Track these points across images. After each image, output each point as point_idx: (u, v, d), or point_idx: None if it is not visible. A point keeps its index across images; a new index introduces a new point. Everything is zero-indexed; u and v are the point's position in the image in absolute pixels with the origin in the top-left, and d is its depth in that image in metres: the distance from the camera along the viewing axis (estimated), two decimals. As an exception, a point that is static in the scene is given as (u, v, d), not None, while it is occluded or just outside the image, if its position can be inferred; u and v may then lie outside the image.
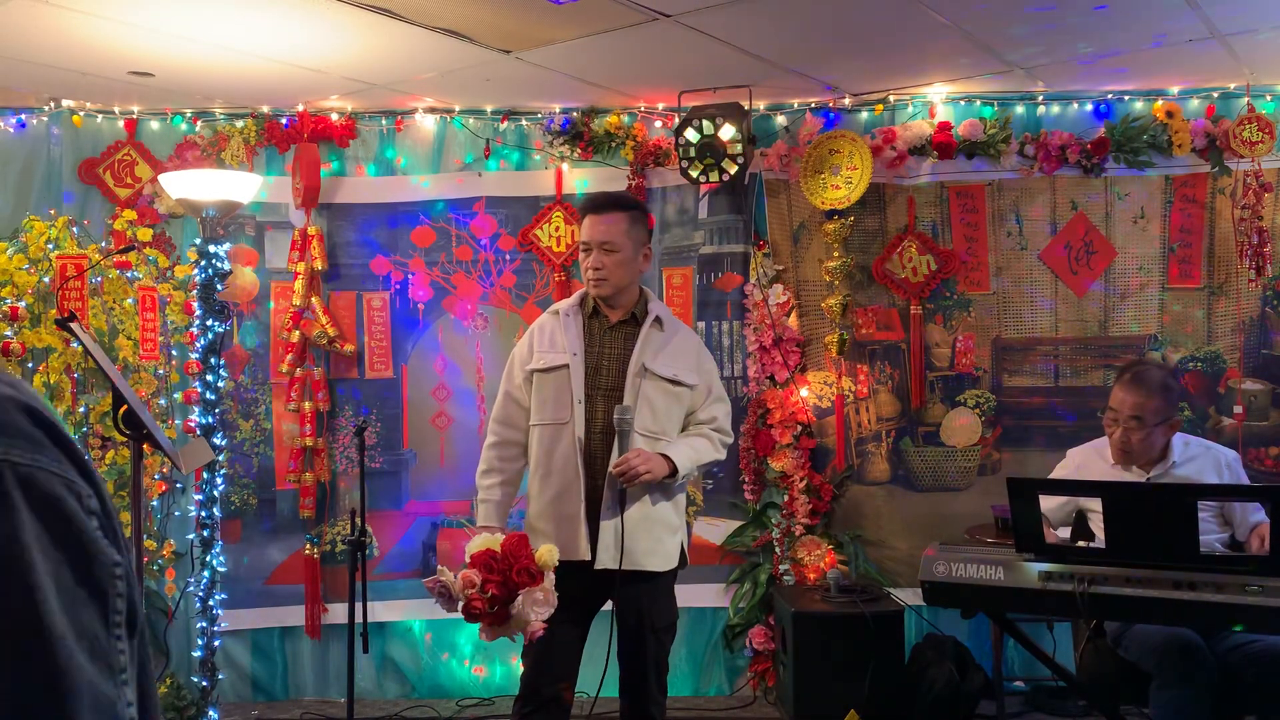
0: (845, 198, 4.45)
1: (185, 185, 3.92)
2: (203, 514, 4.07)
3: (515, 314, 4.71)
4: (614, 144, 4.65)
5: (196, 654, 4.11)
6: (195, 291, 4.11)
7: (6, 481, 0.59)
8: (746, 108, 4.29)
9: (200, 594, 4.04)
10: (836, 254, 4.53)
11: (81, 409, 4.18)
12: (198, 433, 4.04)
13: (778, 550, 4.54)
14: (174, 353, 4.43)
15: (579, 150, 4.66)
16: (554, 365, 2.92)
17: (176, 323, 4.38)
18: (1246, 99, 4.38)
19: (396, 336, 4.73)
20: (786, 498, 4.56)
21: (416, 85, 4.35)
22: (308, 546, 4.59)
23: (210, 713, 4.07)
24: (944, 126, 4.51)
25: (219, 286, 4.12)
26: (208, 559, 4.05)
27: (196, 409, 4.10)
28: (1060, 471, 3.39)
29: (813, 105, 4.62)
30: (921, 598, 2.75)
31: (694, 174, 4.31)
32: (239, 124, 4.63)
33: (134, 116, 4.63)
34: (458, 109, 4.68)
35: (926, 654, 4.16)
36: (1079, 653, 3.24)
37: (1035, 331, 4.59)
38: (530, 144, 4.72)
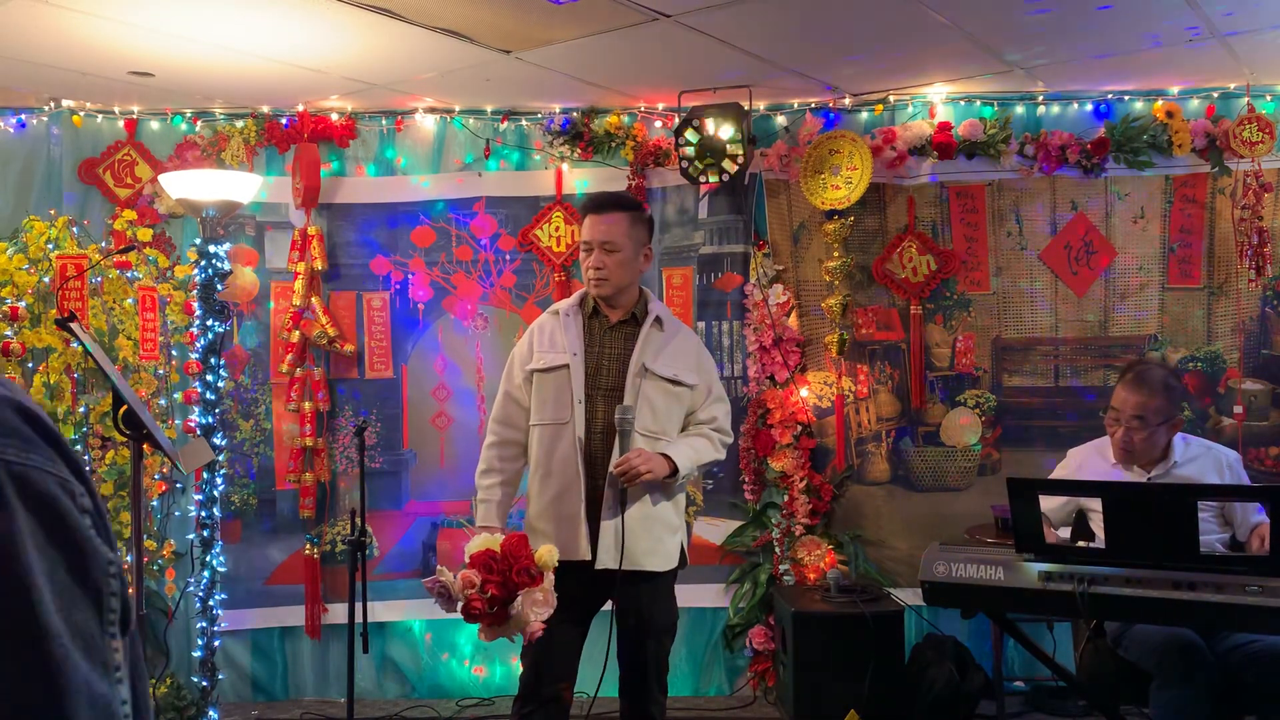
0: (845, 198, 4.45)
1: (185, 185, 3.92)
2: (203, 514, 4.07)
3: (515, 314, 4.71)
4: (614, 144, 4.65)
5: (196, 654, 4.11)
6: (195, 291, 4.12)
7: (0, 480, 0.59)
8: (746, 108, 4.29)
9: (200, 594, 4.04)
10: (836, 254, 4.53)
11: (81, 409, 4.18)
12: (198, 433, 4.04)
13: (778, 550, 4.54)
14: (174, 353, 4.43)
15: (579, 150, 4.66)
16: (554, 365, 2.92)
17: (176, 323, 4.38)
18: (1246, 99, 4.38)
19: (396, 336, 4.73)
20: (786, 498, 4.56)
21: (416, 85, 4.35)
22: (308, 546, 4.59)
23: (210, 713, 4.07)
24: (944, 126, 4.51)
25: (219, 286, 4.12)
26: (208, 559, 4.05)
27: (196, 409, 4.10)
28: (1061, 471, 3.39)
29: (813, 105, 4.62)
30: (921, 598, 2.75)
31: (694, 174, 4.31)
32: (239, 124, 4.63)
33: (134, 116, 4.63)
34: (458, 109, 4.68)
35: (926, 654, 4.16)
36: (1079, 653, 3.24)
37: (1035, 331, 4.59)
38: (530, 144, 4.72)
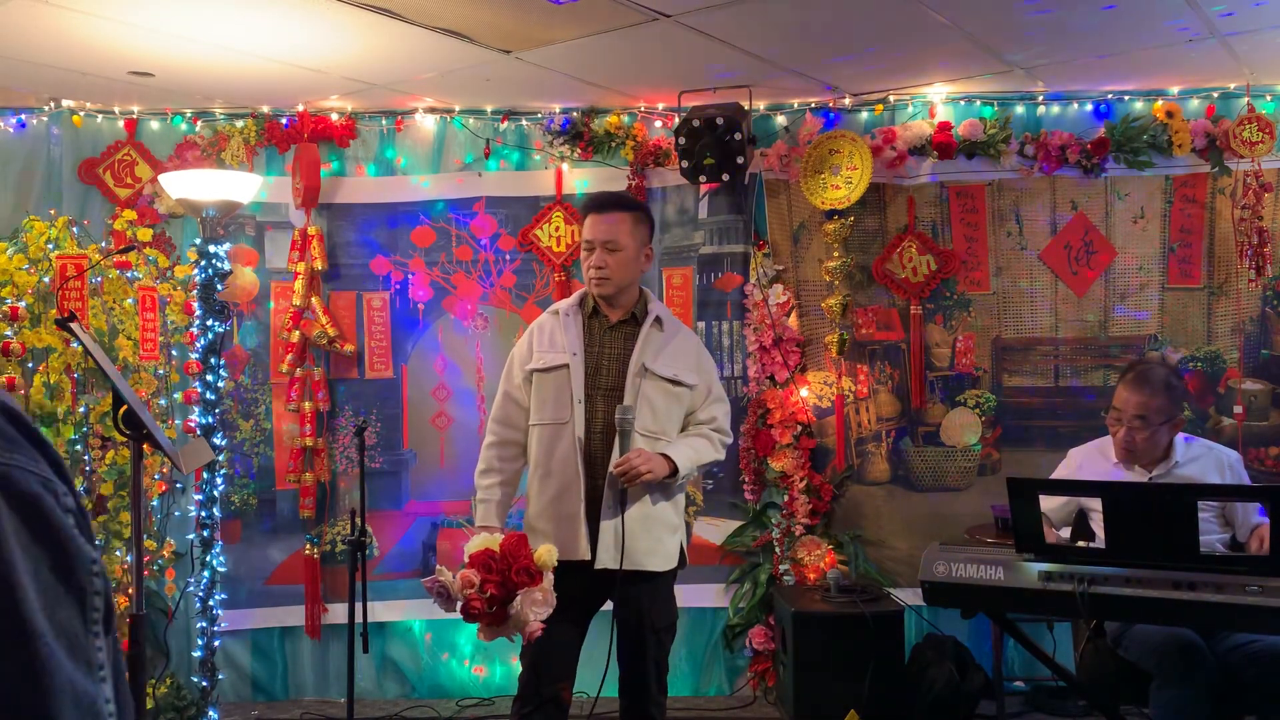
0: (845, 198, 4.45)
1: (185, 185, 3.92)
2: (203, 514, 4.07)
3: (515, 314, 4.71)
4: (614, 144, 4.65)
5: (196, 654, 4.11)
6: (195, 291, 4.12)
7: None
8: (746, 108, 4.29)
9: (200, 594, 4.04)
10: (836, 254, 4.53)
11: (81, 409, 4.18)
12: (198, 433, 4.04)
13: (778, 550, 4.54)
14: (174, 353, 4.43)
15: (579, 150, 4.66)
16: (554, 365, 2.92)
17: (176, 323, 4.38)
18: (1246, 99, 4.38)
19: (396, 336, 4.73)
20: (786, 498, 4.56)
21: (416, 85, 4.35)
22: (308, 546, 4.59)
23: (210, 713, 4.07)
24: (944, 126, 4.51)
25: (219, 286, 4.12)
26: (208, 559, 4.05)
27: (196, 409, 4.10)
28: (1062, 471, 3.39)
29: (813, 105, 4.62)
30: (921, 598, 2.75)
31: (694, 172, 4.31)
32: (239, 124, 4.63)
33: (134, 116, 4.64)
34: (458, 109, 4.68)
35: (926, 654, 4.16)
36: (1079, 653, 3.24)
37: (1035, 331, 4.59)
38: (530, 144, 4.72)
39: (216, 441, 4.08)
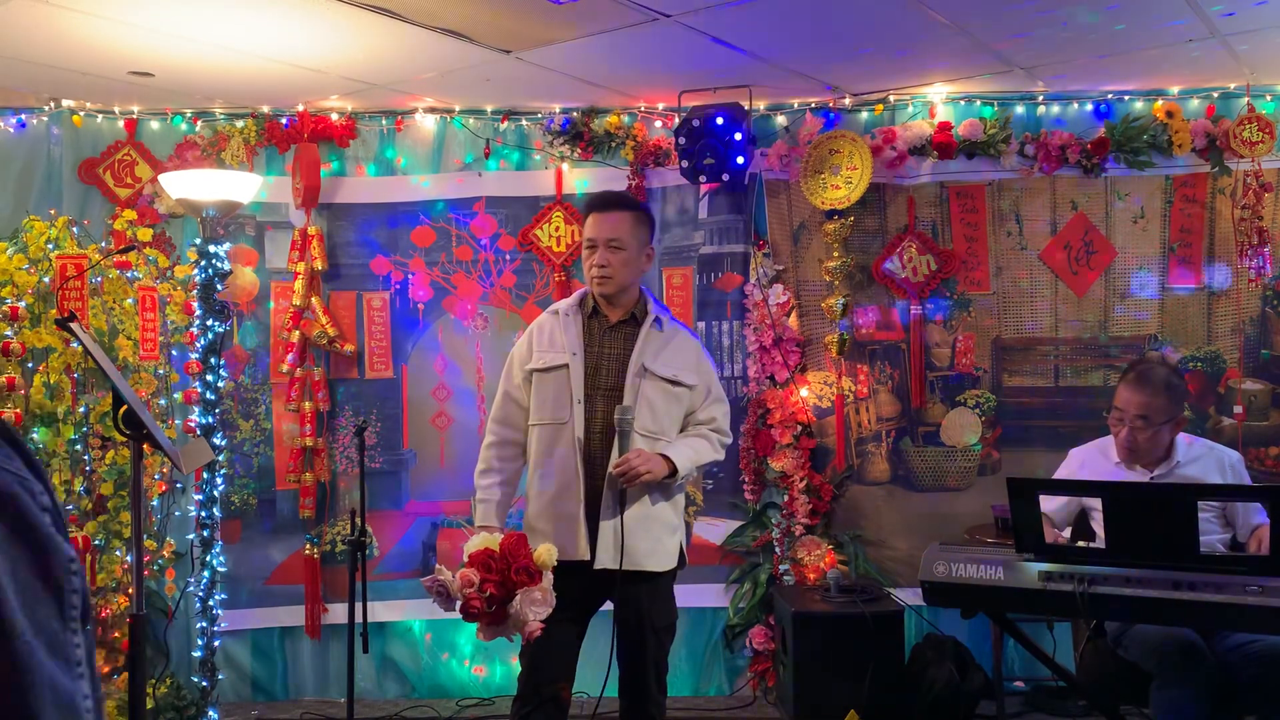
0: (845, 198, 4.45)
1: (185, 185, 3.92)
2: (203, 514, 4.07)
3: (515, 314, 4.71)
4: (614, 144, 4.65)
5: (196, 654, 4.11)
6: (195, 291, 4.12)
7: None
8: (746, 108, 4.29)
9: (200, 594, 4.04)
10: (836, 254, 4.53)
11: (81, 409, 4.18)
12: (198, 433, 4.04)
13: (778, 550, 4.54)
14: (174, 353, 4.43)
15: (579, 150, 4.67)
16: (553, 365, 2.92)
17: (176, 323, 4.38)
18: (1246, 99, 4.38)
19: (396, 336, 4.73)
20: (786, 498, 4.56)
21: (416, 85, 4.35)
22: (308, 546, 4.59)
23: (210, 713, 4.07)
24: (944, 126, 4.51)
25: (219, 286, 4.12)
26: (208, 559, 4.05)
27: (196, 409, 4.11)
28: (1063, 471, 3.38)
29: (813, 105, 4.62)
30: (921, 598, 2.75)
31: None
32: (239, 124, 4.63)
33: (134, 116, 4.64)
34: (458, 109, 4.68)
35: (926, 654, 4.16)
36: (1079, 653, 3.24)
37: (1035, 331, 4.59)
38: (530, 144, 4.72)
39: (216, 441, 4.08)
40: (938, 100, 4.57)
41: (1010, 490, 2.66)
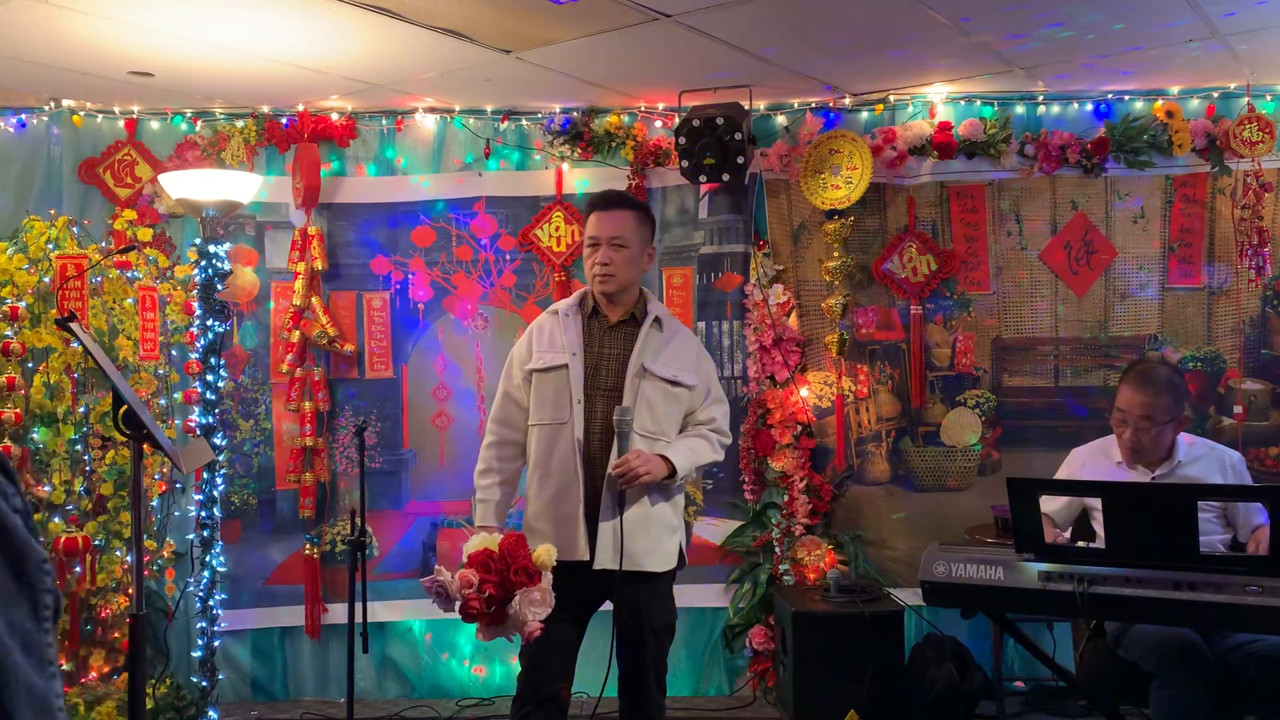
0: (845, 198, 4.45)
1: (185, 185, 3.92)
2: (203, 514, 4.07)
3: (515, 314, 4.71)
4: (614, 144, 4.65)
5: (196, 654, 4.11)
6: (195, 291, 4.12)
7: None
8: (746, 108, 4.29)
9: (200, 594, 4.04)
10: (836, 254, 4.53)
11: (81, 409, 4.18)
12: (198, 433, 4.04)
13: (778, 550, 4.54)
14: (174, 353, 4.43)
15: (579, 150, 4.67)
16: (553, 365, 2.92)
17: (176, 323, 4.38)
18: (1246, 99, 4.38)
19: (396, 336, 4.73)
20: (786, 498, 4.56)
21: (416, 85, 4.35)
22: (308, 546, 4.59)
23: (210, 713, 4.07)
24: (944, 126, 4.51)
25: (219, 286, 4.12)
26: (208, 559, 4.05)
27: (196, 409, 4.11)
28: (1064, 471, 3.38)
29: (813, 105, 4.62)
30: (921, 598, 2.74)
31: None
32: (239, 124, 4.63)
33: (134, 116, 4.64)
34: (458, 109, 4.68)
35: (926, 654, 4.16)
36: (1079, 653, 3.24)
37: (1035, 331, 4.59)
38: (530, 144, 4.72)
39: (216, 441, 4.08)
40: (938, 100, 4.57)
41: (1010, 490, 2.66)
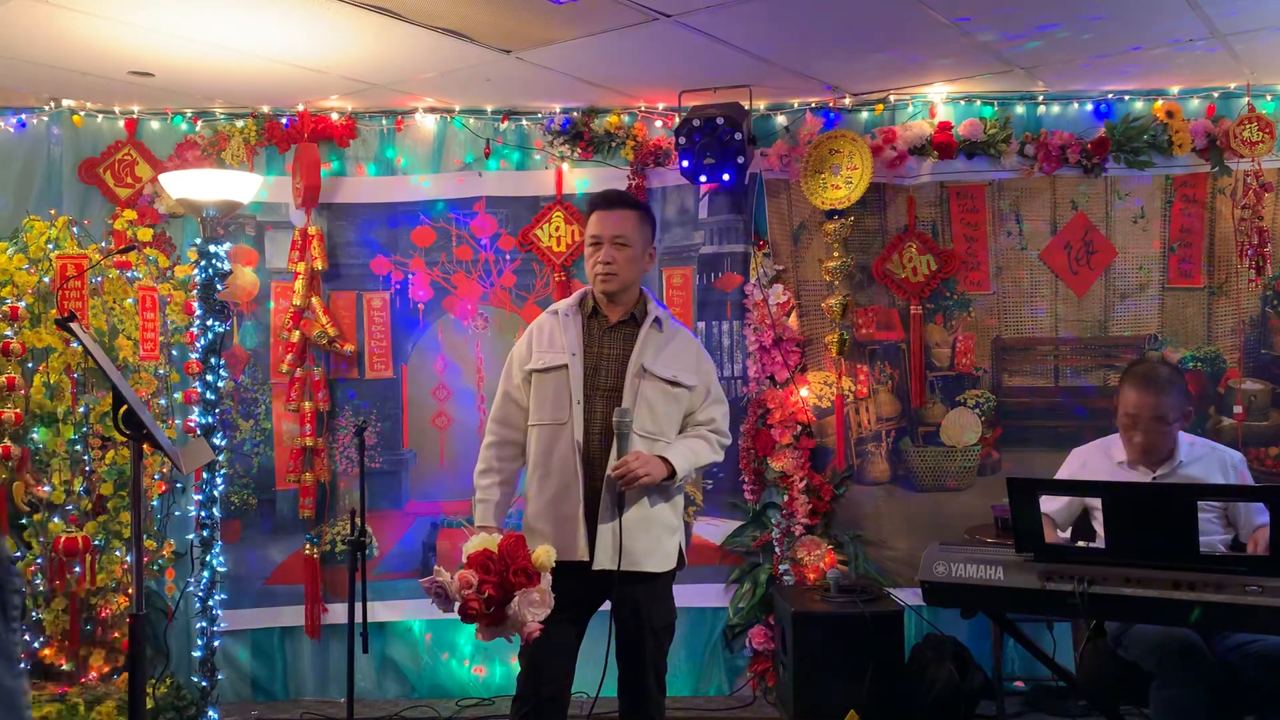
0: (845, 198, 4.45)
1: (185, 185, 3.92)
2: (203, 514, 4.07)
3: (515, 314, 4.71)
4: (614, 144, 4.65)
5: (196, 654, 4.11)
6: (195, 291, 4.12)
7: None
8: (746, 108, 4.29)
9: (200, 594, 4.04)
10: (836, 254, 4.53)
11: (81, 409, 4.18)
12: (198, 433, 4.04)
13: (778, 550, 4.54)
14: (174, 353, 4.43)
15: (579, 150, 4.67)
16: (553, 365, 2.92)
17: (176, 323, 4.38)
18: (1246, 99, 4.38)
19: (396, 336, 4.73)
20: (786, 498, 4.56)
21: (416, 85, 4.35)
22: (308, 546, 4.60)
23: (210, 713, 4.07)
24: (944, 126, 4.51)
25: (219, 286, 4.12)
26: (208, 559, 4.05)
27: (196, 409, 4.11)
28: (1065, 471, 3.38)
29: (813, 105, 4.62)
30: (921, 598, 2.74)
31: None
32: (239, 124, 4.63)
33: (134, 116, 4.64)
34: (458, 109, 4.68)
35: (926, 654, 4.16)
36: (1079, 653, 3.24)
37: (1035, 331, 4.59)
38: (530, 144, 4.72)
39: (216, 441, 4.08)
40: (938, 100, 4.57)
41: (1010, 490, 2.66)
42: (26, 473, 4.10)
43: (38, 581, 4.08)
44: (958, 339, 4.60)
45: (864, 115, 4.63)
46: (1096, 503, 3.13)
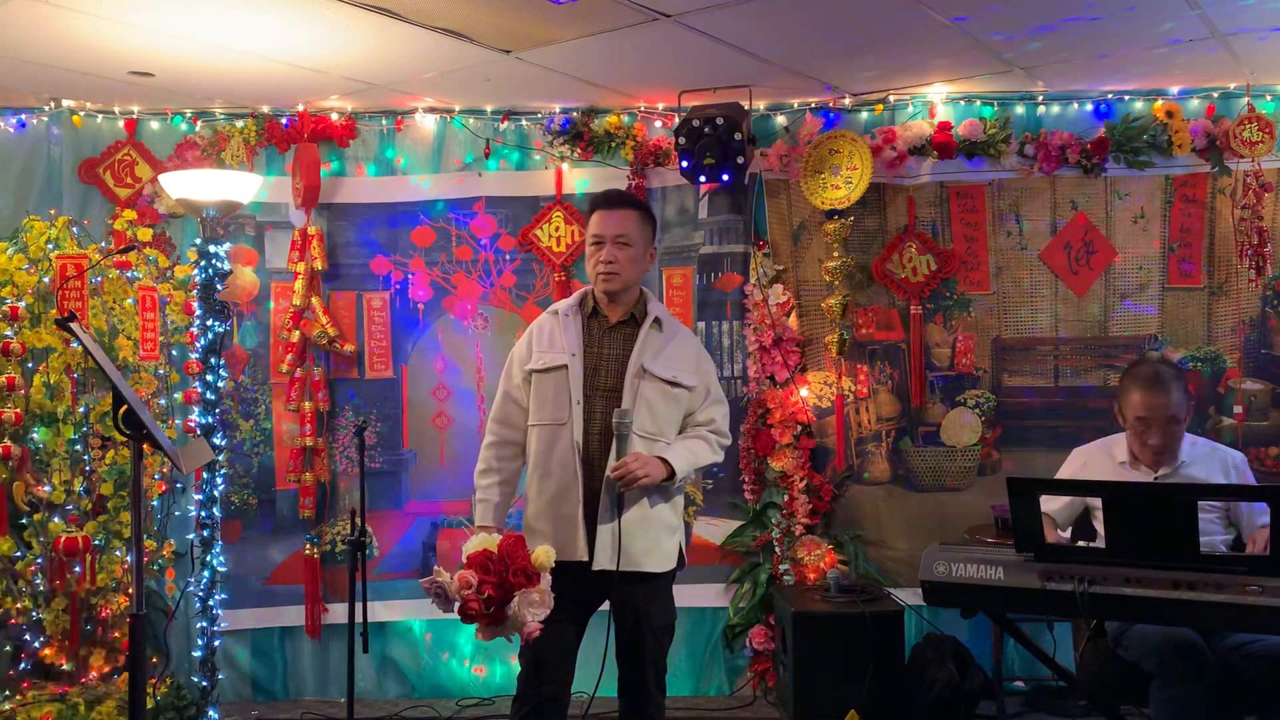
0: (845, 198, 4.45)
1: (185, 185, 3.93)
2: (203, 514, 4.07)
3: (515, 314, 4.71)
4: (614, 144, 4.65)
5: (196, 654, 4.12)
6: (195, 291, 4.12)
7: None
8: (746, 108, 4.29)
9: (200, 594, 4.05)
10: (836, 254, 4.53)
11: (81, 409, 4.18)
12: (198, 433, 4.04)
13: (778, 550, 4.54)
14: (174, 353, 4.43)
15: (579, 150, 4.67)
16: (553, 365, 2.92)
17: (176, 323, 4.38)
18: (1246, 99, 4.38)
19: (396, 336, 4.73)
20: (786, 498, 4.56)
21: (416, 85, 4.35)
22: (308, 546, 4.60)
23: (210, 713, 4.08)
24: (944, 126, 4.51)
25: (219, 286, 4.12)
26: (208, 559, 4.05)
27: (196, 409, 4.11)
28: (1066, 470, 3.38)
29: (813, 105, 4.62)
30: (921, 598, 2.74)
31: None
32: (239, 124, 4.63)
33: (134, 116, 4.64)
34: (458, 109, 4.68)
35: (926, 654, 4.16)
36: (1079, 653, 3.24)
37: (1035, 331, 4.59)
38: (530, 144, 4.72)
39: (216, 441, 4.08)
40: (938, 100, 4.57)
41: (1010, 490, 2.66)
42: (26, 473, 4.10)
43: (38, 581, 4.08)
44: (958, 339, 4.60)
45: (864, 115, 4.63)
46: (1097, 502, 3.13)
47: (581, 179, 4.70)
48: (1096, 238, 4.55)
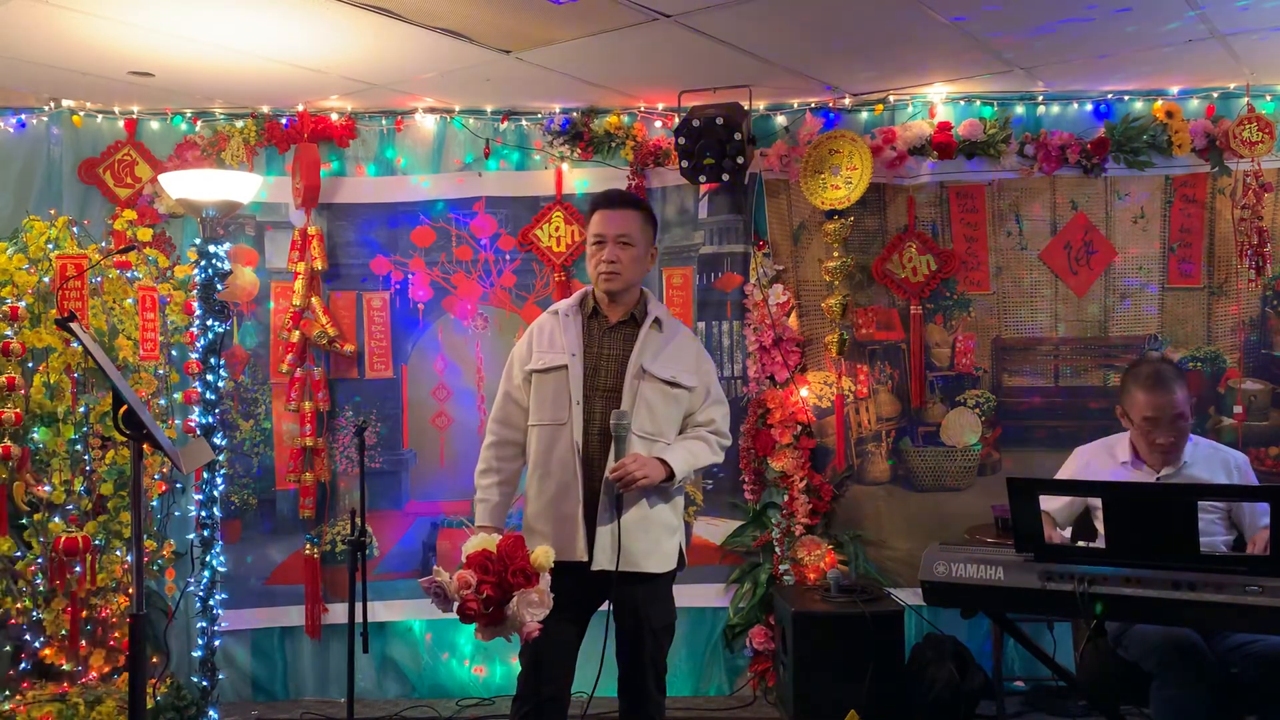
0: (845, 198, 4.45)
1: (185, 185, 3.93)
2: (203, 514, 4.08)
3: (515, 314, 4.71)
4: (614, 144, 4.65)
5: (196, 654, 4.12)
6: (195, 291, 4.12)
7: None
8: (746, 108, 4.29)
9: (200, 594, 4.05)
10: (836, 254, 4.53)
11: (81, 409, 4.18)
12: (198, 433, 4.04)
13: (778, 550, 4.54)
14: (174, 353, 4.43)
15: (579, 150, 4.67)
16: (553, 366, 2.92)
17: (176, 323, 4.38)
18: (1246, 99, 4.38)
19: (396, 336, 4.73)
20: (786, 498, 4.56)
21: (416, 85, 4.35)
22: (308, 546, 4.60)
23: (210, 713, 4.08)
24: (944, 126, 4.51)
25: (219, 286, 4.12)
26: (208, 559, 4.05)
27: (196, 409, 4.11)
28: (1068, 470, 3.38)
29: (813, 105, 4.62)
30: (921, 598, 2.74)
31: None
32: (239, 124, 4.63)
33: (134, 116, 4.64)
34: (458, 109, 4.68)
35: (926, 654, 4.16)
36: (1079, 653, 3.24)
37: (1035, 331, 4.60)
38: (530, 144, 4.72)
39: (216, 441, 4.08)
40: (937, 100, 4.57)
41: (1010, 490, 2.66)
42: (26, 473, 4.10)
43: (38, 581, 4.08)
44: (958, 339, 4.60)
45: (864, 115, 4.63)
46: (1098, 502, 3.13)
47: (581, 179, 4.70)
48: (1096, 238, 4.55)
